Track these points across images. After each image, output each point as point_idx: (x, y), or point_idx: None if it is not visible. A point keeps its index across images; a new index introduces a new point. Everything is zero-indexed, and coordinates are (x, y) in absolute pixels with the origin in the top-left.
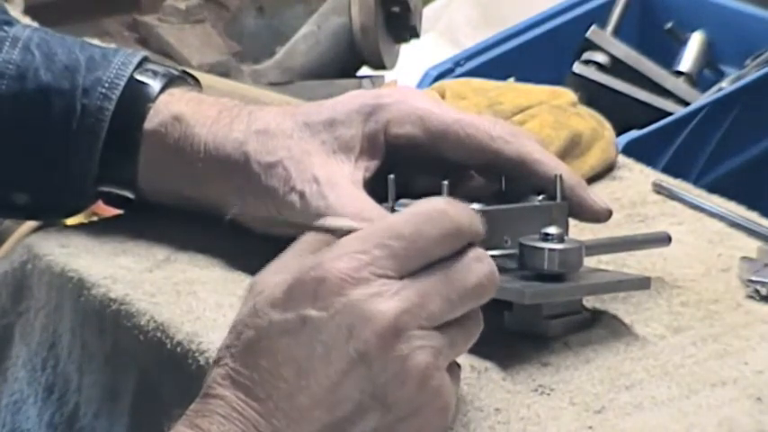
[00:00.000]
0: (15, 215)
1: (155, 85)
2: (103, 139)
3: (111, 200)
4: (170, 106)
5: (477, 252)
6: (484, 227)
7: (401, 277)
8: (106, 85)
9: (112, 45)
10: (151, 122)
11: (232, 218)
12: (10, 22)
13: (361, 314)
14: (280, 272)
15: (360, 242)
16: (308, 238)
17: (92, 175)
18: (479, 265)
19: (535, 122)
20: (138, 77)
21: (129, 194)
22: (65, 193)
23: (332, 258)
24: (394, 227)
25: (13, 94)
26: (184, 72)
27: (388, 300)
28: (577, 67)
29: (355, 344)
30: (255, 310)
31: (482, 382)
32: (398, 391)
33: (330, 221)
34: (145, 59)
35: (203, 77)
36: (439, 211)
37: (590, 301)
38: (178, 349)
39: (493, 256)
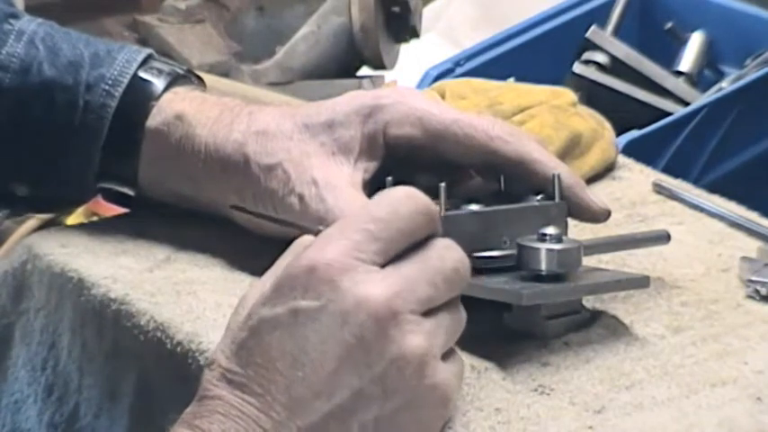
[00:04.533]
0: (14, 206)
1: (158, 83)
2: (105, 135)
3: (112, 196)
4: (173, 105)
5: (445, 241)
6: (482, 227)
7: (384, 264)
8: (110, 82)
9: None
10: (154, 121)
11: (232, 218)
12: (16, 14)
13: (354, 299)
14: (264, 281)
15: (340, 231)
16: (299, 242)
17: (92, 171)
18: (451, 252)
19: (535, 122)
20: (142, 75)
21: (130, 192)
22: (65, 188)
23: (316, 249)
24: (370, 212)
25: (16, 88)
26: (188, 71)
27: (377, 284)
28: (577, 67)
29: (351, 329)
30: (248, 313)
31: (482, 382)
32: (397, 377)
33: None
34: (149, 57)
35: (203, 78)
36: (407, 194)
37: (590, 301)
38: (178, 349)
39: (491, 257)
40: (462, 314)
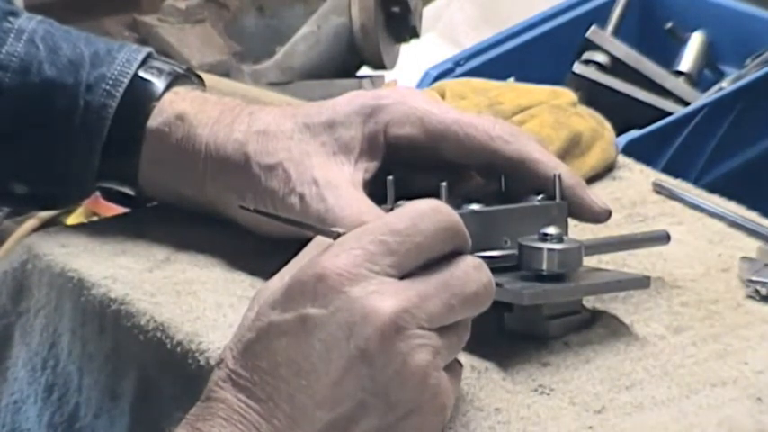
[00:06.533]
0: (14, 204)
1: (159, 83)
2: (105, 135)
3: (112, 196)
4: (174, 105)
5: (474, 260)
6: (483, 227)
7: (401, 276)
8: (110, 82)
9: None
10: (155, 121)
11: (232, 218)
12: (15, 12)
13: (362, 311)
14: (282, 275)
15: (356, 240)
16: (315, 242)
17: (92, 171)
18: (478, 273)
19: (535, 122)
20: (143, 75)
21: (130, 191)
22: (64, 187)
23: (329, 257)
24: (389, 224)
25: (16, 88)
26: (188, 70)
27: (388, 298)
28: (577, 67)
29: (356, 341)
30: (257, 313)
31: (482, 382)
32: (399, 390)
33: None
34: (149, 56)
35: (203, 78)
36: (432, 207)
37: (590, 301)
38: (178, 349)
39: (492, 257)
40: (468, 330)
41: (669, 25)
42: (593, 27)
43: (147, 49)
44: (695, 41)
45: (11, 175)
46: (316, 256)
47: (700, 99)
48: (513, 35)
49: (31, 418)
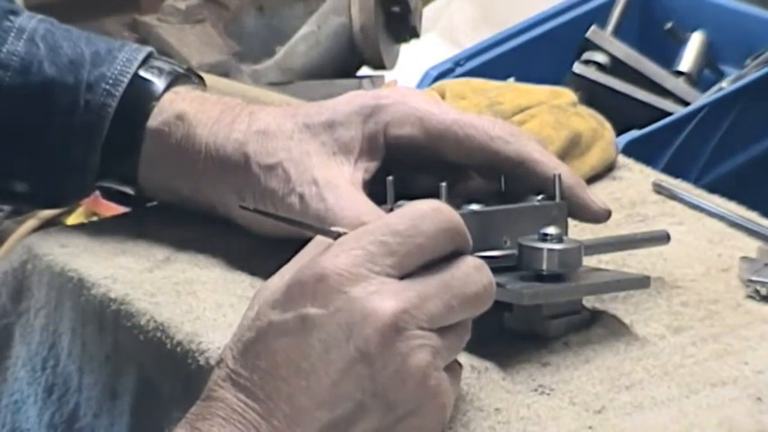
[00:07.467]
0: (14, 203)
1: (159, 83)
2: (105, 135)
3: (112, 195)
4: (174, 105)
5: (475, 261)
6: (482, 227)
7: (401, 277)
8: (110, 81)
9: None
10: (155, 120)
11: (232, 218)
12: (16, 11)
13: (362, 311)
14: (282, 274)
15: (356, 240)
16: (315, 242)
17: (92, 169)
18: (479, 274)
19: (535, 122)
20: (143, 74)
21: (130, 191)
22: (64, 186)
23: (329, 257)
24: (390, 224)
25: (16, 87)
26: (189, 69)
27: (388, 298)
28: (577, 67)
29: (356, 342)
30: (257, 313)
31: (482, 382)
32: (399, 390)
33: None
34: (150, 56)
35: (203, 77)
36: (434, 208)
37: (590, 301)
38: (178, 349)
39: (492, 257)
40: (469, 331)
41: (669, 25)
42: (593, 27)
43: (148, 49)
44: (695, 41)
45: (11, 173)
46: (316, 256)
47: (700, 99)
48: (513, 35)
49: (31, 418)
